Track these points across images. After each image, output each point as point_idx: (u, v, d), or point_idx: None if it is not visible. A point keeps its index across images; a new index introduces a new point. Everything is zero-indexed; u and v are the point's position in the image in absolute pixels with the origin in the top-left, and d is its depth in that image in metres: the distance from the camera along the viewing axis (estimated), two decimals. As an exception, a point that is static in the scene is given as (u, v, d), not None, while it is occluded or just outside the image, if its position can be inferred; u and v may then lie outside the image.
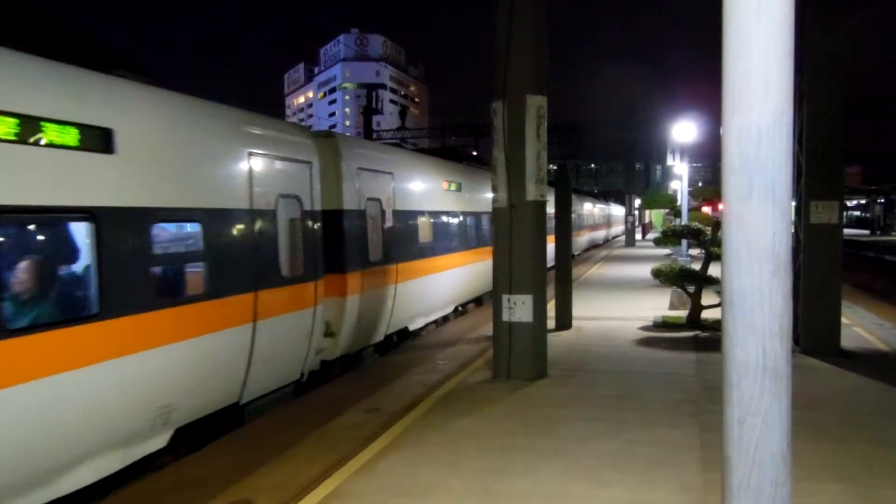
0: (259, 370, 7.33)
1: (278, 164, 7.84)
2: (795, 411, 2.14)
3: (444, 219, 13.73)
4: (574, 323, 12.29)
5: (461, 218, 14.84)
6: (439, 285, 13.10)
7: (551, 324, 11.04)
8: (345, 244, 9.37)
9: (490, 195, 16.39)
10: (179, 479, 5.64)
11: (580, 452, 5.95)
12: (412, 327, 12.12)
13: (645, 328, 12.13)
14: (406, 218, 11.59)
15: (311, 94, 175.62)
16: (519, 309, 8.52)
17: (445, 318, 13.95)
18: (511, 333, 8.54)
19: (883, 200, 79.02)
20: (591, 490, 5.17)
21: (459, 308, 15.13)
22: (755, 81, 1.98)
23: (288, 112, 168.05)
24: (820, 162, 9.60)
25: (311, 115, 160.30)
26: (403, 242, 11.30)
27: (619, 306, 14.93)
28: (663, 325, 12.32)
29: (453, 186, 14.50)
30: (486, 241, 15.76)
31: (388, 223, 10.69)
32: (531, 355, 8.59)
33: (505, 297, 8.59)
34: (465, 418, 6.99)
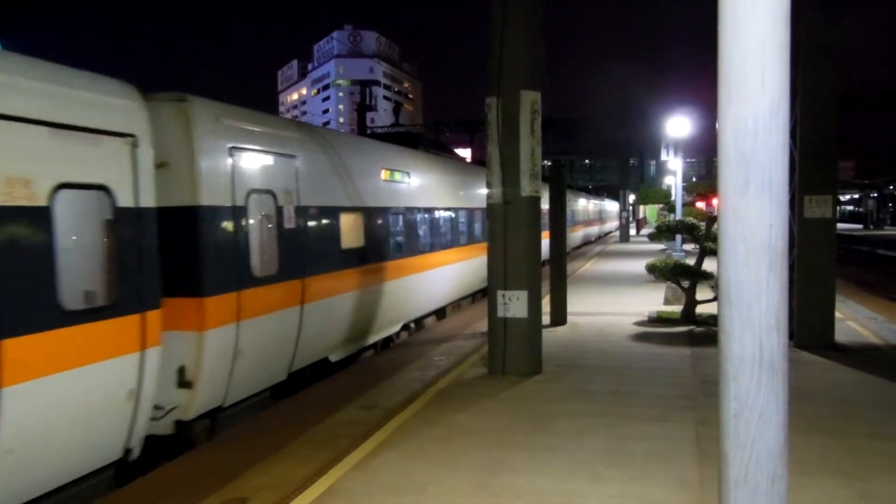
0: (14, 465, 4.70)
1: (58, 139, 5.10)
2: (790, 405, 2.13)
3: (384, 217, 11.02)
4: (569, 319, 12.29)
5: (412, 215, 12.27)
6: (376, 300, 10.51)
7: (546, 319, 11.04)
8: (202, 255, 6.78)
9: (459, 188, 15.44)
10: (174, 478, 5.62)
11: (576, 448, 5.94)
12: (335, 357, 9.46)
13: (640, 323, 12.14)
14: (319, 216, 8.91)
15: (304, 91, 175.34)
16: (514, 305, 8.51)
17: (389, 341, 11.44)
18: (506, 329, 8.53)
19: (876, 195, 79.38)
20: (586, 486, 5.17)
21: (412, 325, 12.77)
22: (751, 73, 1.96)
23: (282, 109, 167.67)
24: (814, 156, 9.61)
25: (304, 113, 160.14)
26: (315, 249, 8.70)
27: (613, 302, 14.94)
28: (658, 320, 12.34)
29: (398, 176, 11.90)
30: (448, 242, 14.28)
31: (289, 224, 8.11)
32: (526, 351, 8.58)
33: (500, 293, 8.58)
34: (461, 414, 6.98)
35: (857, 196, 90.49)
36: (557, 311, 12.17)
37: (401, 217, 11.81)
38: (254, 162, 7.66)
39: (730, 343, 2.08)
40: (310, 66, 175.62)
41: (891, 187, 77.96)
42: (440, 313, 14.35)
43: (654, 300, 14.56)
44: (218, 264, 6.92)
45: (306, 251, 8.46)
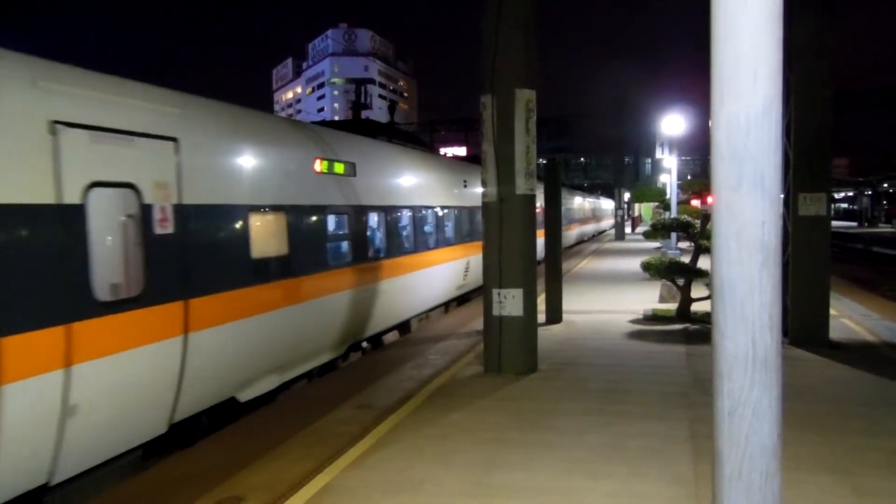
0: None
1: None
2: (785, 403, 2.13)
3: (320, 218, 9.02)
4: (564, 317, 12.31)
5: (361, 215, 10.18)
6: (308, 319, 8.53)
7: (542, 318, 11.04)
8: None
9: (431, 183, 13.87)
10: (170, 476, 5.61)
11: (572, 445, 5.95)
12: (246, 395, 7.53)
13: (635, 321, 12.16)
14: (216, 218, 6.98)
15: (299, 90, 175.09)
16: (509, 303, 8.51)
17: (310, 376, 9.13)
18: (501, 327, 8.53)
19: (870, 192, 79.62)
20: (582, 483, 5.18)
21: (365, 345, 10.93)
22: (744, 70, 1.97)
23: (276, 108, 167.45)
24: (808, 154, 9.63)
25: (299, 111, 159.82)
26: (209, 261, 6.78)
27: (609, 300, 14.96)
28: (653, 318, 12.36)
29: (338, 168, 9.61)
30: (412, 246, 12.23)
31: (163, 228, 6.13)
32: (522, 349, 8.59)
33: (495, 292, 8.58)
34: (457, 413, 6.98)
35: (851, 194, 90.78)
36: (553, 309, 12.18)
37: (346, 218, 9.75)
38: (99, 144, 5.65)
39: (723, 340, 2.08)
40: (304, 65, 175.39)
41: (885, 185, 78.23)
42: (404, 327, 12.44)
43: (649, 298, 14.59)
44: (28, 288, 4.91)
45: (193, 264, 6.47)
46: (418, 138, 18.41)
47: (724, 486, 2.12)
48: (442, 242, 13.89)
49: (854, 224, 76.59)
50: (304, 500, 4.99)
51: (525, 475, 5.35)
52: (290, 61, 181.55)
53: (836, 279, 14.52)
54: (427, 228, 13.28)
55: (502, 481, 5.25)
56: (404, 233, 12.07)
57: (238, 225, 7.27)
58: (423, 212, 13.01)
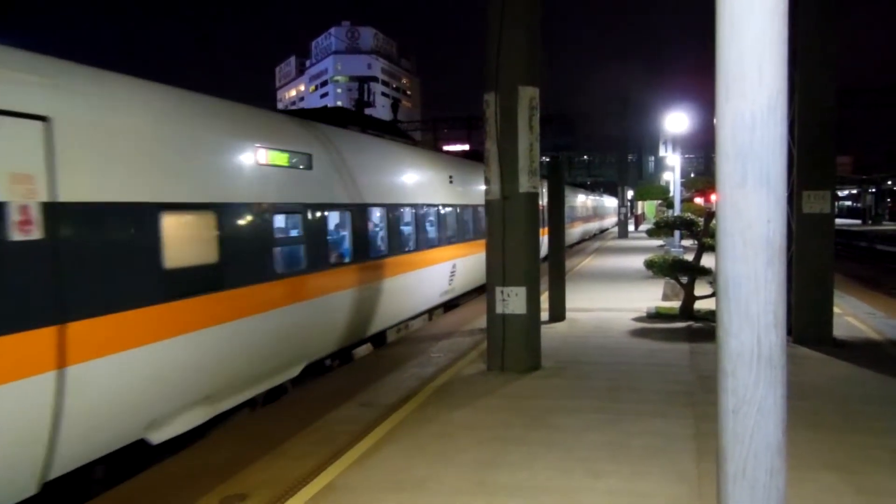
0: None
1: None
2: (789, 401, 2.13)
3: (263, 218, 7.62)
4: (567, 314, 12.30)
5: (313, 216, 8.69)
6: (244, 338, 7.17)
7: (545, 315, 11.03)
8: None
9: (410, 179, 12.42)
10: (173, 473, 5.61)
11: (575, 444, 5.95)
12: (161, 436, 6.17)
13: (638, 319, 12.14)
14: (104, 220, 5.58)
15: (302, 88, 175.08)
16: (512, 301, 8.51)
17: (282, 389, 8.30)
18: (505, 325, 8.53)
19: (874, 190, 79.41)
20: (585, 481, 5.17)
21: (329, 362, 9.73)
22: (749, 67, 1.96)
23: (280, 105, 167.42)
24: (812, 152, 9.60)
25: (303, 109, 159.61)
26: (96, 274, 5.39)
27: (612, 298, 14.95)
28: (657, 315, 12.34)
29: (290, 160, 8.31)
30: (384, 249, 10.88)
31: (25, 233, 4.84)
32: (525, 347, 8.59)
33: (498, 290, 8.58)
34: (460, 411, 6.98)
35: (855, 191, 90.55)
36: (556, 307, 12.18)
37: (299, 218, 8.50)
38: None
39: (728, 338, 2.08)
40: (308, 63, 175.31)
41: (889, 183, 78.04)
42: (378, 339, 11.24)
43: (652, 296, 14.57)
44: None
45: (74, 278, 5.17)
46: (399, 129, 16.14)
47: (729, 483, 2.11)
48: (423, 244, 12.58)
49: (858, 222, 76.41)
50: (307, 498, 4.99)
51: (527, 473, 5.34)
52: (293, 59, 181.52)
53: (840, 277, 14.48)
54: (404, 229, 11.95)
55: (504, 480, 5.24)
56: (375, 234, 10.80)
57: (143, 228, 5.85)
58: (399, 210, 11.64)
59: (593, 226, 48.64)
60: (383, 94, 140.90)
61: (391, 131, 13.95)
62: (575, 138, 68.13)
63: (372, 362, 9.66)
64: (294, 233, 8.65)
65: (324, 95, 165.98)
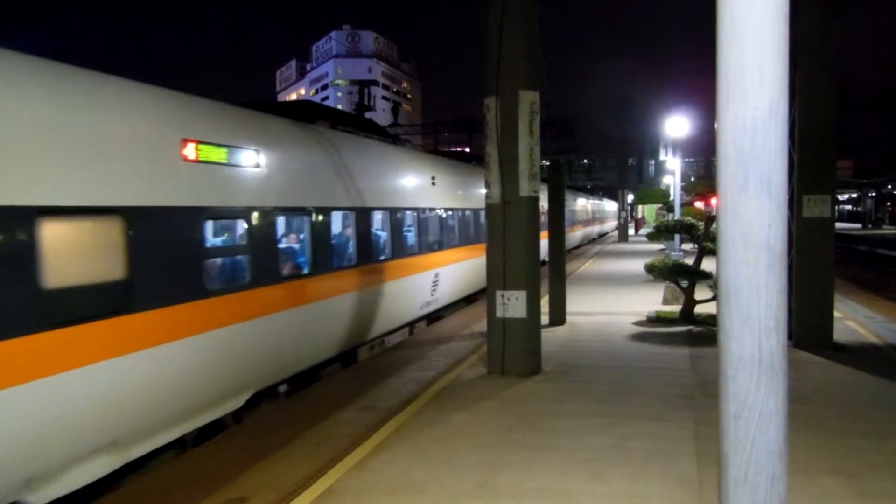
0: None
1: None
2: (790, 405, 2.12)
3: (186, 225, 6.39)
4: (568, 318, 12.29)
5: (261, 221, 7.47)
6: (148, 375, 5.82)
7: (545, 319, 11.03)
8: None
9: (382, 179, 10.95)
10: (174, 477, 5.61)
11: (575, 447, 5.94)
12: (40, 499, 5.03)
13: (638, 323, 12.14)
14: None
15: (303, 92, 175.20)
16: (513, 305, 8.51)
17: (219, 424, 7.15)
18: (505, 329, 8.53)
19: (874, 194, 79.44)
20: (586, 485, 5.17)
21: (284, 388, 8.53)
22: (750, 72, 1.96)
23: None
24: (812, 156, 9.61)
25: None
26: None
27: (612, 302, 14.94)
28: (657, 319, 12.34)
29: (226, 156, 7.00)
30: (346, 261, 9.65)
31: None
32: (525, 351, 8.58)
33: (499, 294, 8.58)
34: (460, 414, 6.97)
35: (855, 195, 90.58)
36: (556, 310, 12.18)
37: (241, 224, 7.30)
38: None
39: (729, 343, 2.08)
40: (308, 66, 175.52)
41: (889, 186, 78.07)
42: (348, 357, 10.02)
43: (652, 300, 14.56)
44: None
45: None
46: (380, 127, 14.52)
47: (730, 489, 2.11)
48: (399, 252, 11.36)
49: (858, 226, 76.42)
50: (308, 501, 4.99)
51: (528, 477, 5.34)
52: (293, 63, 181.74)
53: (840, 281, 14.47)
54: (376, 236, 10.77)
55: (505, 483, 5.24)
56: (340, 242, 9.72)
57: (13, 237, 4.67)
58: (371, 215, 10.36)
59: (593, 230, 48.66)
60: (384, 97, 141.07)
61: (370, 129, 12.67)
62: (575, 142, 68.16)
63: (372, 366, 9.65)
64: (237, 242, 7.50)
65: (324, 99, 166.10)
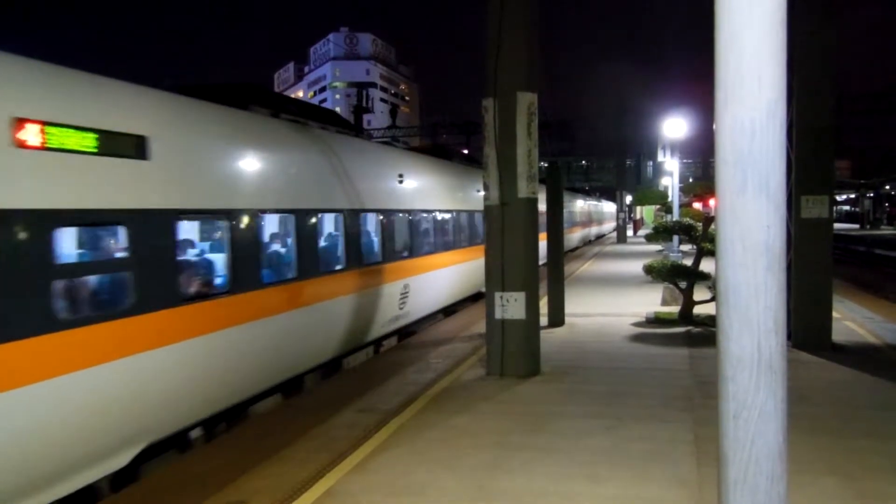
0: None
1: None
2: (789, 406, 2.13)
3: (28, 232, 4.80)
4: (567, 319, 12.30)
5: (153, 227, 5.98)
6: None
7: (544, 321, 11.03)
8: None
9: (334, 175, 9.30)
10: (173, 480, 5.60)
11: (574, 449, 5.94)
12: None
13: (637, 324, 12.14)
14: None
15: (301, 94, 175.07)
16: (511, 306, 8.51)
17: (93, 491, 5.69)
18: (504, 331, 8.53)
19: (872, 195, 79.50)
20: (585, 486, 5.17)
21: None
22: (748, 74, 1.97)
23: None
24: (810, 157, 9.62)
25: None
26: None
27: (611, 303, 14.95)
28: (656, 320, 12.35)
29: (94, 143, 5.39)
30: (286, 272, 8.22)
31: None
32: (524, 352, 8.58)
33: (497, 295, 8.58)
34: (459, 416, 6.97)
35: (853, 196, 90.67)
36: (555, 312, 12.18)
37: (123, 229, 5.70)
38: None
39: (728, 343, 2.08)
40: (306, 69, 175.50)
41: (887, 187, 78.15)
42: (293, 385, 8.58)
43: (651, 301, 14.57)
44: None
45: None
46: (341, 118, 12.37)
47: (730, 489, 2.11)
48: (355, 262, 9.80)
49: (856, 226, 76.47)
50: (308, 503, 4.99)
51: (527, 479, 5.34)
52: (291, 65, 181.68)
53: (838, 282, 14.50)
54: (325, 243, 9.50)
55: (504, 485, 5.24)
56: (273, 252, 8.41)
57: None
58: (317, 218, 8.90)
59: (592, 231, 48.69)
60: (382, 100, 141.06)
61: (330, 120, 10.87)
62: (573, 143, 68.24)
63: (371, 368, 9.65)
64: (110, 256, 6.02)
65: (322, 101, 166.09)
